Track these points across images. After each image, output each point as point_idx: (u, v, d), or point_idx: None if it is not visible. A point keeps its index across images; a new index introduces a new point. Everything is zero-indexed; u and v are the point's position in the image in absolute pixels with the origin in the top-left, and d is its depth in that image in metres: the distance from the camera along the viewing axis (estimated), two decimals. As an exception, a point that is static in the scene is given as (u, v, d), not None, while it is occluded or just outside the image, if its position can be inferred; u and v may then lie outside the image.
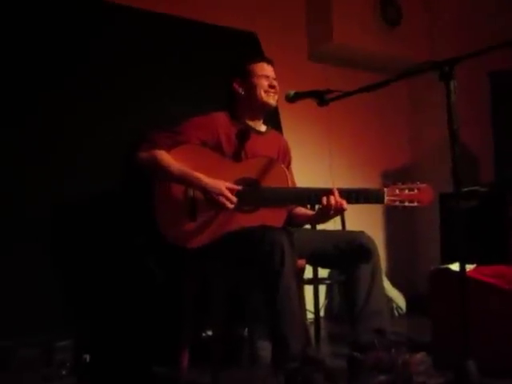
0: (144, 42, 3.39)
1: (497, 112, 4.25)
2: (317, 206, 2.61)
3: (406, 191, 2.45)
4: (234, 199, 2.47)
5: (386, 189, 2.47)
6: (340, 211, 2.47)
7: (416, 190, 2.45)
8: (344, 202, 2.44)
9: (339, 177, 4.59)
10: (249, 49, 3.87)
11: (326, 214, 2.48)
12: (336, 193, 2.44)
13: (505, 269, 2.68)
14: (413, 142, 5.25)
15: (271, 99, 2.72)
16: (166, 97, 3.35)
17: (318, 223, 2.88)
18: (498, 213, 3.63)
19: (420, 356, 2.29)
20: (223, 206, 2.46)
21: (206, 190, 2.48)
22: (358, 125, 4.89)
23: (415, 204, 2.45)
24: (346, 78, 4.52)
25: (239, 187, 2.51)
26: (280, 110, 3.74)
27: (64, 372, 2.65)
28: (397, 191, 2.45)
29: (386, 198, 2.45)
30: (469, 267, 2.69)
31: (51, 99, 3.02)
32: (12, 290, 2.73)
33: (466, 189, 3.68)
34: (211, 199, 2.47)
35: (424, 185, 2.47)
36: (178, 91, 3.40)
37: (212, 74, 3.44)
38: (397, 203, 2.45)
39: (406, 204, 2.45)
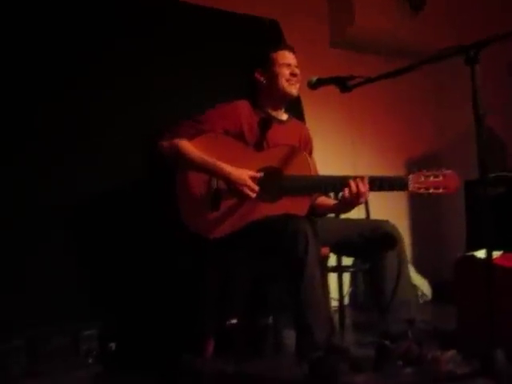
0: (164, 31, 3.38)
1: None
2: (340, 195, 2.59)
3: (431, 178, 2.40)
4: (257, 188, 2.47)
5: (410, 176, 2.42)
6: (363, 199, 2.45)
7: (441, 177, 2.40)
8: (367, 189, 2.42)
9: (362, 165, 4.56)
10: (270, 36, 3.84)
11: (350, 202, 2.45)
12: (365, 179, 2.42)
13: (532, 256, 2.64)
14: (438, 128, 5.18)
15: (293, 88, 2.69)
16: (187, 86, 3.34)
17: (341, 213, 2.86)
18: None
19: (450, 354, 2.26)
20: (246, 196, 2.46)
21: (229, 180, 2.47)
22: (381, 111, 4.85)
23: (440, 191, 2.40)
24: (368, 64, 4.46)
25: (261, 174, 2.50)
26: (302, 98, 3.71)
27: (90, 360, 2.68)
28: (422, 178, 2.41)
29: (411, 186, 2.41)
30: (495, 254, 2.65)
31: (73, 88, 3.03)
32: (40, 282, 2.76)
33: (492, 175, 3.64)
34: (234, 189, 2.47)
35: (449, 171, 2.41)
36: (199, 80, 3.39)
37: (233, 62, 3.43)
38: (422, 190, 2.40)
39: (431, 191, 2.40)
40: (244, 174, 2.48)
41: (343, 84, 2.35)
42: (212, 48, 3.52)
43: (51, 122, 2.95)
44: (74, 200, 2.97)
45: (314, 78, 2.46)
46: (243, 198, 2.48)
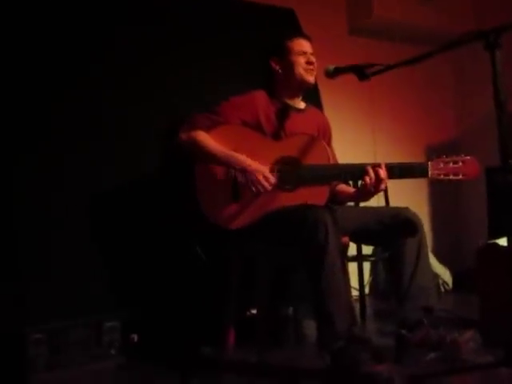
0: (180, 21, 3.37)
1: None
2: (360, 183, 2.58)
3: (451, 164, 2.40)
4: (273, 180, 2.47)
5: (430, 162, 2.42)
6: (383, 186, 2.43)
7: (461, 163, 2.40)
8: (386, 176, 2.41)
9: (383, 153, 4.54)
10: (287, 26, 3.81)
11: (369, 190, 2.44)
12: (383, 166, 2.41)
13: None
14: (458, 115, 5.14)
15: (310, 76, 2.68)
16: (203, 76, 3.32)
17: (361, 201, 2.85)
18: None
19: (469, 334, 2.25)
20: (262, 188, 2.46)
21: (246, 171, 2.48)
22: (401, 99, 4.81)
23: (460, 177, 2.40)
24: (386, 52, 4.42)
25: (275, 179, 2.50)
26: (320, 87, 3.68)
27: (113, 352, 2.70)
28: (441, 164, 2.41)
29: (430, 172, 2.41)
30: (518, 242, 2.62)
31: (89, 83, 3.02)
32: (62, 274, 2.78)
33: (513, 161, 3.60)
34: (251, 180, 2.47)
35: (469, 157, 2.41)
36: (215, 70, 3.37)
37: (250, 52, 3.41)
38: (441, 177, 2.40)
39: (451, 177, 2.40)
40: (262, 167, 2.48)
41: (361, 72, 2.32)
42: (228, 38, 3.50)
43: (64, 121, 2.94)
44: (97, 193, 2.98)
45: (332, 67, 2.44)
46: (259, 190, 2.48)
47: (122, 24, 3.18)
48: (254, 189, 2.47)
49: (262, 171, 2.47)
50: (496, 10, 4.55)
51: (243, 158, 2.50)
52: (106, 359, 2.67)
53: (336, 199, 2.74)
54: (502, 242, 2.56)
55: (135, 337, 2.78)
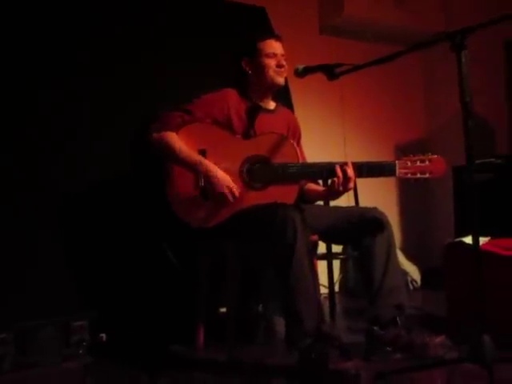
0: (152, 21, 3.35)
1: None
2: (329, 181, 2.60)
3: (418, 163, 2.43)
4: (237, 193, 2.50)
5: (397, 161, 2.45)
6: (351, 184, 2.46)
7: (427, 162, 2.43)
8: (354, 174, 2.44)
9: (353, 151, 4.57)
10: (258, 24, 3.81)
11: (338, 189, 2.46)
12: (351, 165, 2.43)
13: (521, 241, 2.65)
14: (427, 115, 5.20)
15: (280, 78, 2.69)
16: (174, 73, 3.31)
17: (330, 199, 2.87)
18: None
19: (440, 339, 2.28)
20: (224, 200, 2.49)
21: (211, 181, 2.50)
22: (371, 99, 4.84)
23: (427, 176, 2.43)
24: (357, 51, 4.44)
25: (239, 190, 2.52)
26: (291, 86, 3.69)
27: (81, 351, 2.68)
28: (408, 163, 2.44)
29: (398, 171, 2.44)
30: (483, 240, 2.66)
31: (63, 83, 3.00)
32: (30, 273, 2.76)
33: (479, 161, 3.65)
34: (215, 190, 2.49)
35: (436, 156, 2.45)
36: (186, 67, 3.36)
37: (220, 49, 3.41)
38: (409, 175, 2.43)
39: (418, 176, 2.43)
40: (226, 178, 2.50)
41: (331, 72, 2.33)
42: (200, 35, 3.49)
43: (38, 121, 2.92)
44: (64, 192, 2.95)
45: (301, 67, 2.44)
46: (223, 201, 2.50)
47: (97, 24, 3.16)
48: (219, 198, 2.50)
49: (226, 183, 2.49)
50: (465, 11, 4.61)
51: (209, 167, 2.52)
52: (75, 359, 2.65)
53: (305, 198, 2.76)
54: (468, 240, 2.59)
55: (103, 336, 2.76)
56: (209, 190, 2.53)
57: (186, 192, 2.55)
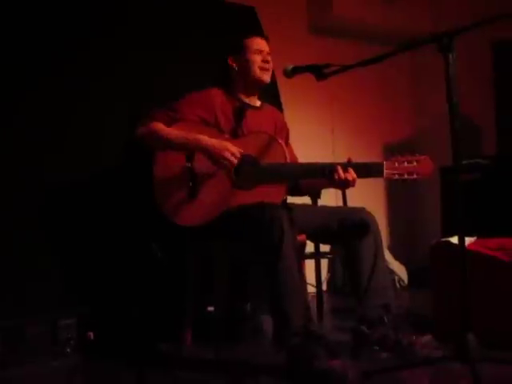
0: (140, 17, 3.35)
1: (499, 83, 4.21)
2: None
3: (405, 164, 2.41)
4: (239, 154, 2.47)
5: (385, 162, 2.44)
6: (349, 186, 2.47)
7: (415, 163, 2.42)
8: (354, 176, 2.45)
9: (341, 150, 4.58)
10: (247, 23, 3.82)
11: (336, 186, 2.53)
12: (338, 167, 2.44)
13: (507, 241, 2.67)
14: (415, 115, 5.23)
15: (265, 75, 2.70)
16: (163, 72, 3.32)
17: (323, 188, 2.88)
18: (500, 185, 3.61)
19: (426, 338, 2.30)
20: (228, 163, 2.46)
21: (210, 149, 2.48)
22: (361, 98, 4.87)
23: (415, 176, 2.41)
24: (347, 51, 4.47)
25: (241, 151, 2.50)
26: (280, 85, 3.71)
27: (69, 350, 2.67)
28: (396, 164, 2.42)
29: (385, 172, 2.42)
30: (470, 240, 2.68)
31: (46, 77, 2.99)
32: (16, 271, 2.75)
33: (466, 161, 3.68)
34: (216, 158, 2.47)
35: (423, 156, 2.43)
36: (176, 66, 3.37)
37: (210, 49, 3.41)
38: (396, 176, 2.42)
39: (406, 177, 2.41)
40: (224, 142, 2.49)
41: (319, 72, 2.34)
42: (190, 34, 3.50)
43: (20, 116, 2.91)
44: (53, 189, 2.95)
45: (290, 67, 2.44)
46: (227, 166, 2.47)
47: (87, 23, 3.16)
48: (222, 165, 2.48)
49: (227, 147, 2.47)
50: (453, 11, 4.64)
51: (205, 138, 2.50)
52: (62, 357, 2.64)
53: (300, 188, 2.79)
54: (455, 239, 2.61)
55: (91, 334, 2.76)
56: (199, 178, 2.52)
57: (173, 190, 2.55)
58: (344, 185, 2.47)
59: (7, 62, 2.88)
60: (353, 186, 2.46)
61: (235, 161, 2.47)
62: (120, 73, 3.19)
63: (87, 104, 3.08)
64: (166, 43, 3.40)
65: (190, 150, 2.53)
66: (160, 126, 2.56)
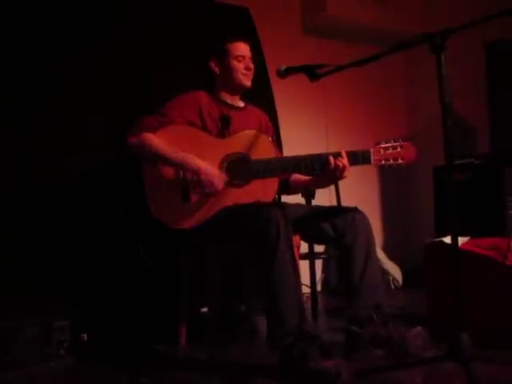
0: (132, 18, 3.34)
1: (492, 83, 4.22)
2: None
3: (390, 150, 2.53)
4: (224, 180, 2.52)
5: (371, 149, 2.53)
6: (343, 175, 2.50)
7: (399, 148, 2.53)
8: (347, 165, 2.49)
9: (335, 149, 4.56)
10: (241, 24, 3.82)
11: (330, 178, 2.55)
12: (344, 155, 2.49)
13: (500, 241, 2.68)
14: (409, 115, 5.23)
15: (246, 81, 2.75)
16: (156, 72, 3.31)
17: (320, 187, 2.88)
18: (492, 185, 3.62)
19: (417, 330, 2.31)
20: (213, 189, 2.49)
21: (198, 173, 2.49)
22: (355, 98, 4.87)
23: (400, 161, 2.52)
24: (341, 51, 4.48)
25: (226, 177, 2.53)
26: (273, 85, 3.71)
27: (62, 351, 2.67)
28: (381, 151, 2.52)
29: (373, 158, 2.51)
30: (463, 239, 2.69)
31: (36, 82, 2.97)
32: (10, 273, 2.74)
33: (459, 161, 3.69)
34: (203, 182, 2.49)
35: (406, 142, 2.55)
36: (168, 67, 3.36)
37: (202, 49, 3.39)
38: (383, 162, 2.52)
39: (391, 162, 2.52)
40: (212, 168, 2.51)
41: (312, 72, 2.34)
42: (183, 35, 3.49)
43: (9, 119, 2.89)
44: (44, 192, 2.93)
45: (283, 68, 2.45)
46: (211, 191, 2.50)
47: (79, 23, 3.14)
48: (206, 190, 2.50)
49: (213, 172, 2.50)
50: (445, 11, 4.65)
51: (194, 159, 2.52)
52: (56, 359, 2.63)
53: (291, 187, 2.82)
54: (448, 239, 2.62)
55: (85, 336, 2.75)
56: (191, 185, 2.52)
57: (165, 193, 2.55)
58: (338, 173, 2.49)
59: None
60: (345, 174, 2.51)
61: (220, 188, 2.51)
62: (107, 72, 3.18)
63: (74, 104, 3.07)
64: (158, 44, 3.38)
65: (178, 168, 2.54)
66: (150, 138, 2.57)
